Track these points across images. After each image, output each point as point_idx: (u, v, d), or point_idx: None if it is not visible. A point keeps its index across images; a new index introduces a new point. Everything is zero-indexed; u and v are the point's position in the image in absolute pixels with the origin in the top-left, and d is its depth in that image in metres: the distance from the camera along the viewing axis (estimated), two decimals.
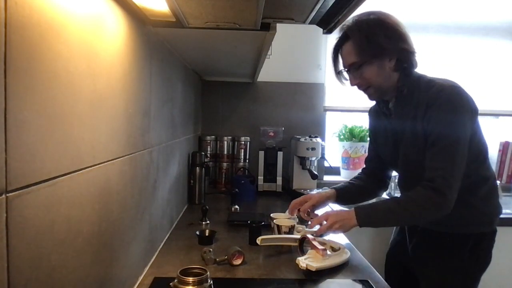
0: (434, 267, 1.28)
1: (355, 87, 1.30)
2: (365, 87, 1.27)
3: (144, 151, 1.10)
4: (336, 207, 1.71)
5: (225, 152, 2.41)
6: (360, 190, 1.50)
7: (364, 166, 1.59)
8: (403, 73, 1.24)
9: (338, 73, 1.32)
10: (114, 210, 0.85)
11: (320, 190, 2.08)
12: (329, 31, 1.14)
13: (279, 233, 1.42)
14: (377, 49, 1.19)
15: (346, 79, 1.32)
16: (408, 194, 1.23)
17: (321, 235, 1.54)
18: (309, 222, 1.34)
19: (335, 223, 1.22)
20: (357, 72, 1.24)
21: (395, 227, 1.56)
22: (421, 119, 1.20)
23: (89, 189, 0.71)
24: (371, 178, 1.52)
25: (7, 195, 0.45)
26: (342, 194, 1.47)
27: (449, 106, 1.15)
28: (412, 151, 1.25)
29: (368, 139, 1.64)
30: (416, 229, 1.36)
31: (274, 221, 1.45)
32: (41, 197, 0.53)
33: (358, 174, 1.59)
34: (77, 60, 0.64)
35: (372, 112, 1.50)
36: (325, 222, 1.25)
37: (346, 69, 1.27)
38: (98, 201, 0.75)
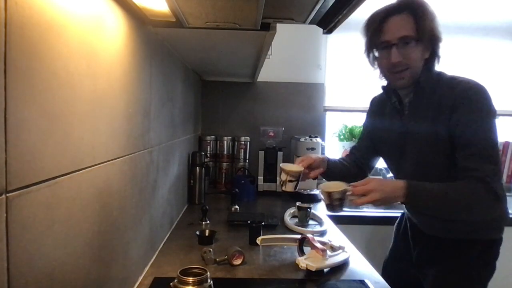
0: (440, 274, 1.25)
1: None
2: (403, 68, 1.16)
3: (144, 151, 1.10)
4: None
5: (225, 152, 2.41)
6: (346, 172, 1.43)
7: (349, 153, 1.53)
8: (426, 68, 1.19)
9: (370, 47, 1.21)
10: (114, 210, 0.85)
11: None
12: (329, 31, 1.14)
13: (330, 202, 1.16)
14: (431, 32, 1.15)
15: (376, 56, 1.22)
16: (468, 185, 1.07)
17: (320, 234, 1.54)
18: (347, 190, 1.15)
19: (378, 200, 1.08)
20: (404, 49, 1.14)
21: (394, 234, 1.50)
22: (445, 120, 1.13)
23: (89, 189, 0.71)
24: (354, 166, 1.47)
25: (7, 195, 0.45)
26: (331, 167, 1.40)
27: (478, 106, 1.10)
28: (429, 153, 1.17)
29: (362, 127, 1.55)
30: (421, 236, 1.32)
31: (322, 187, 1.19)
32: (41, 197, 0.53)
33: (344, 157, 1.52)
34: (77, 60, 0.64)
35: (376, 103, 1.42)
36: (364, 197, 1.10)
37: (391, 43, 1.15)
38: (98, 201, 0.75)
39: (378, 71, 1.27)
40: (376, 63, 1.25)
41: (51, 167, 0.56)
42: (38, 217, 0.52)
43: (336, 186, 1.16)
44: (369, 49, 1.22)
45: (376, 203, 1.09)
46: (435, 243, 1.27)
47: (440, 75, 1.20)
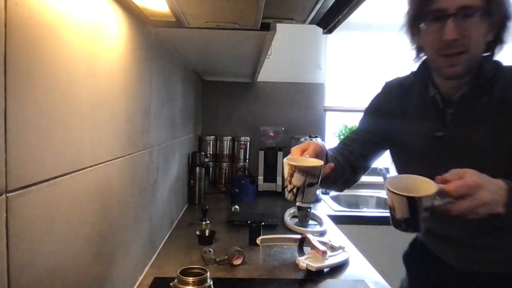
0: None
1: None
2: (459, 50, 0.84)
3: (144, 151, 1.10)
4: None
5: (225, 152, 2.41)
6: (341, 173, 1.03)
7: (341, 144, 1.13)
8: (484, 55, 0.90)
9: (416, 18, 0.89)
10: (114, 210, 0.85)
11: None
12: (329, 31, 1.13)
13: (413, 214, 0.69)
14: (504, 6, 0.85)
15: (421, 30, 0.89)
16: None
17: (320, 234, 1.54)
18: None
19: (487, 203, 0.69)
20: (464, 23, 0.82)
21: (406, 268, 1.17)
22: None
23: (89, 189, 0.71)
24: (347, 165, 1.06)
25: (7, 195, 0.45)
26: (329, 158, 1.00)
27: None
28: (486, 166, 0.76)
29: (364, 117, 1.16)
30: (450, 272, 1.00)
31: (393, 187, 0.70)
32: (41, 197, 0.53)
33: (336, 150, 1.10)
34: (77, 60, 0.64)
35: (394, 91, 1.06)
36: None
37: (447, 13, 0.82)
38: (98, 201, 0.75)
39: (413, 52, 0.97)
40: (416, 39, 0.93)
41: (51, 167, 0.56)
42: (38, 217, 0.52)
43: (416, 184, 0.71)
44: (413, 20, 0.90)
45: (481, 210, 0.69)
46: (472, 280, 0.96)
47: (498, 64, 0.91)
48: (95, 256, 0.74)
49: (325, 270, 1.18)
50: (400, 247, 1.19)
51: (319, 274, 1.15)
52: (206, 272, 0.91)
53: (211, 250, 1.23)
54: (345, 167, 1.05)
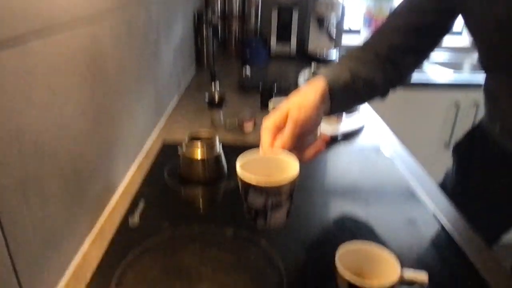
0: None
1: None
2: None
3: (138, 6, 0.96)
4: None
5: (235, 12, 2.20)
6: (371, 86, 0.74)
7: (378, 34, 0.79)
8: None
9: None
10: (110, 73, 0.78)
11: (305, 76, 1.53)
12: None
13: None
14: None
15: None
16: None
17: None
18: None
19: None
20: None
21: (457, 158, 0.99)
22: None
23: (74, 53, 0.62)
24: (385, 64, 0.75)
25: None
26: (340, 92, 0.67)
27: None
28: None
29: None
30: None
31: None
32: (10, 65, 0.45)
33: (361, 50, 0.77)
34: None
35: None
36: None
37: None
38: (88, 64, 0.67)
39: None
40: None
41: (17, 28, 0.46)
42: (9, 85, 0.45)
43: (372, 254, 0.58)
44: None
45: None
46: None
47: None
48: (93, 123, 0.70)
49: (339, 137, 1.15)
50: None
51: (332, 141, 1.12)
52: (215, 135, 0.88)
53: (221, 114, 1.19)
54: (381, 76, 0.75)
